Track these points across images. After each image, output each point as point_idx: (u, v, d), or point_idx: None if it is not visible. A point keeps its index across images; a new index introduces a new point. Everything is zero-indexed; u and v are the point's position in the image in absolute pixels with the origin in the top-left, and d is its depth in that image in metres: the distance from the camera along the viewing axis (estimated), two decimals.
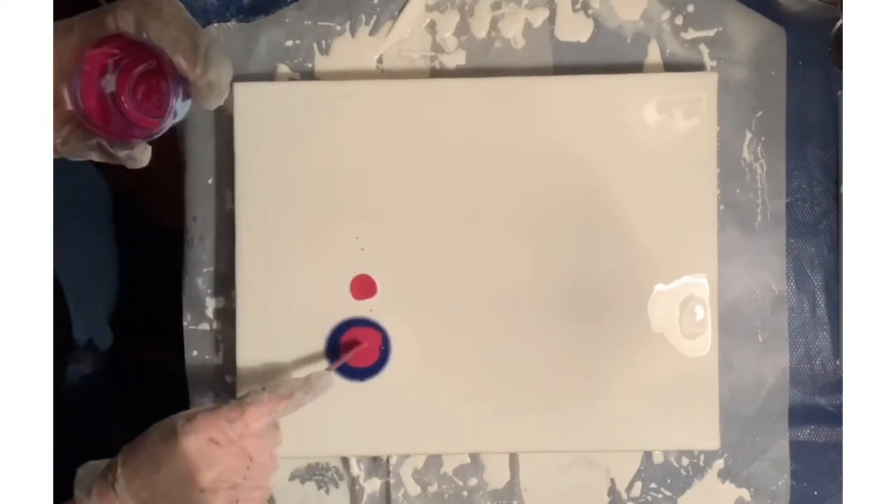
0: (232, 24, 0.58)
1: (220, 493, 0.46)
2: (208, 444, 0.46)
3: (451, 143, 0.56)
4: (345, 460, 0.59)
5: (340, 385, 0.56)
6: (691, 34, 0.58)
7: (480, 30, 0.58)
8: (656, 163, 0.56)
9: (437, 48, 0.58)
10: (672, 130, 0.56)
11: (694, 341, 0.56)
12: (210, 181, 0.58)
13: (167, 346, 0.59)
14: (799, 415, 0.59)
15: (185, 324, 0.59)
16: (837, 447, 0.59)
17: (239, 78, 0.57)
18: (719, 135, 0.57)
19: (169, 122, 0.45)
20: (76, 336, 0.64)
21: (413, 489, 0.59)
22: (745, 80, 0.58)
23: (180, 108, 0.45)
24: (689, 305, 0.56)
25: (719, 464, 0.59)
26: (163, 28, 0.42)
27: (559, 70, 0.58)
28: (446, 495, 0.59)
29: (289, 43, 0.58)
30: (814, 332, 0.59)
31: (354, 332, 0.56)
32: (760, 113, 0.58)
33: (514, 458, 0.59)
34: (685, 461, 0.59)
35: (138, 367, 0.74)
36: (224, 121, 0.58)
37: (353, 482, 0.59)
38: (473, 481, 0.59)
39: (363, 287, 0.56)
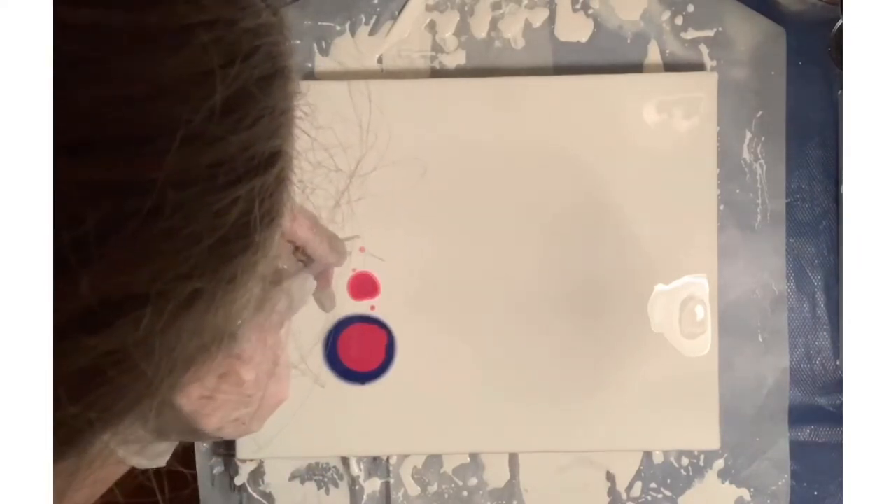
0: None
1: (225, 429, 0.45)
2: (203, 399, 0.45)
3: (451, 142, 0.56)
4: (345, 460, 0.59)
5: (341, 385, 0.56)
6: (691, 34, 0.58)
7: (480, 30, 0.58)
8: (656, 163, 0.56)
9: (437, 48, 0.58)
10: (672, 130, 0.56)
11: (694, 341, 0.56)
12: None
13: None
14: (799, 415, 0.59)
15: None
16: (837, 447, 0.59)
17: None
18: (719, 135, 0.57)
19: None
20: None
21: (413, 489, 0.59)
22: (745, 80, 0.58)
23: None
24: (689, 305, 0.56)
25: (719, 464, 0.59)
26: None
27: (559, 70, 0.58)
28: (446, 495, 0.59)
29: None
30: (814, 332, 0.59)
31: (354, 330, 0.56)
32: (760, 113, 0.58)
33: (514, 458, 0.59)
34: (685, 461, 0.59)
35: None
36: None
37: (353, 482, 0.59)
38: (473, 481, 0.59)
39: (364, 286, 0.56)
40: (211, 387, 0.44)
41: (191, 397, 0.44)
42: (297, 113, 0.29)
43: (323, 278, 0.52)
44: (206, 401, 0.44)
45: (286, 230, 0.47)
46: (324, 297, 0.54)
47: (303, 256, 0.49)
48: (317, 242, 0.48)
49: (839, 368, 0.59)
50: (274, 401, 0.47)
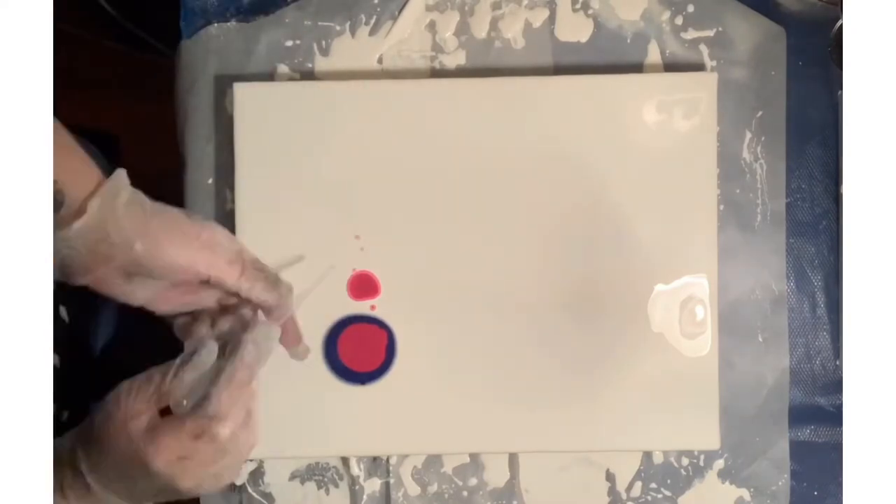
0: (232, 24, 0.58)
1: (203, 485, 0.46)
2: (179, 461, 0.45)
3: (451, 143, 0.56)
4: (345, 460, 0.59)
5: (341, 385, 0.56)
6: (691, 34, 0.58)
7: (480, 30, 0.58)
8: (656, 163, 0.56)
9: (437, 48, 0.58)
10: (672, 130, 0.56)
11: (694, 341, 0.56)
12: (210, 181, 0.58)
13: None
14: (799, 415, 0.59)
15: None
16: (837, 447, 0.59)
17: (239, 78, 0.57)
18: (719, 135, 0.57)
19: None
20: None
21: (413, 489, 0.59)
22: (745, 80, 0.58)
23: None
24: (689, 305, 0.56)
25: (719, 464, 0.59)
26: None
27: (559, 70, 0.58)
28: (446, 495, 0.59)
29: (289, 43, 0.58)
30: (814, 332, 0.59)
31: (354, 330, 0.56)
32: (760, 113, 0.58)
33: (514, 458, 0.59)
34: (685, 461, 0.59)
35: None
36: (224, 121, 0.58)
37: (353, 482, 0.59)
38: (473, 481, 0.59)
39: (364, 286, 0.56)
40: (187, 448, 0.44)
41: (168, 460, 0.44)
42: None
43: (286, 333, 0.52)
44: (183, 461, 0.44)
45: (214, 278, 0.48)
46: (297, 352, 0.55)
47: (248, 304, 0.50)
48: (248, 286, 0.48)
49: (839, 368, 0.59)
50: (247, 449, 0.47)
